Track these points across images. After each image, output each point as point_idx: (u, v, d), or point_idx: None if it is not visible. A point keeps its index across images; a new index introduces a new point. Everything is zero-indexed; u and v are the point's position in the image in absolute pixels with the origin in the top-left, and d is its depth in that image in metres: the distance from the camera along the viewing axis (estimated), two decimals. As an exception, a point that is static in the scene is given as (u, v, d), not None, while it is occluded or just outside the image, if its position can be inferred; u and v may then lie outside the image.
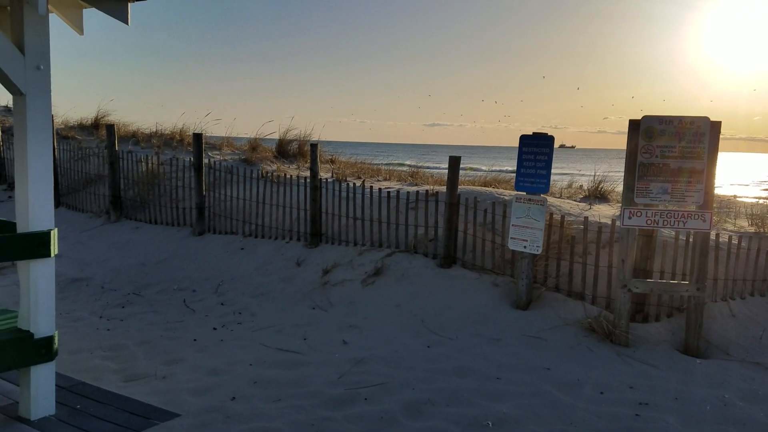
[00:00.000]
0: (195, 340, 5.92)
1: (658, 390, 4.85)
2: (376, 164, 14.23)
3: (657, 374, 5.18)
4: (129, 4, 3.73)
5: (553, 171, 6.48)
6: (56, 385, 3.95)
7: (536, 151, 6.44)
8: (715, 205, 6.77)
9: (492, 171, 12.06)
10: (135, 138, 13.36)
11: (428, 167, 13.59)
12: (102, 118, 14.70)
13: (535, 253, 6.35)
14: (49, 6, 3.62)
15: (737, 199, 11.86)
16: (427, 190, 8.00)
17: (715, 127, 5.66)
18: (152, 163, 10.55)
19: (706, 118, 5.65)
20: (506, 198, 7.74)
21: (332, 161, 12.40)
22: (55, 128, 11.87)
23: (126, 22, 3.74)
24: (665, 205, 5.79)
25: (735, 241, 6.66)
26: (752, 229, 7.66)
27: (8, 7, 3.71)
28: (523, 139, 6.53)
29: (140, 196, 10.42)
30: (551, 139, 6.43)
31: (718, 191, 11.50)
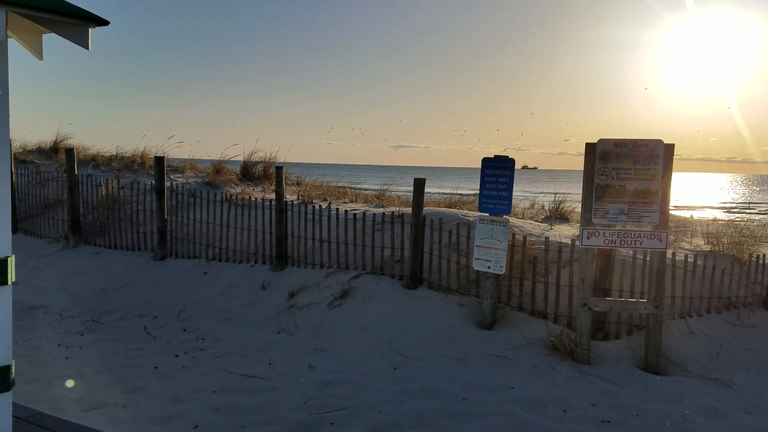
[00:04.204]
0: (156, 367, 5.80)
1: (620, 407, 4.93)
2: (342, 186, 14.25)
3: (618, 391, 5.27)
4: (89, 29, 3.70)
5: (515, 192, 6.62)
6: (13, 415, 3.83)
7: (498, 173, 6.57)
8: (671, 225, 6.96)
9: (455, 194, 12.17)
10: (95, 161, 13.14)
11: (394, 190, 13.66)
12: (61, 141, 14.43)
13: (499, 273, 6.43)
14: (8, 31, 3.57)
15: (693, 218, 12.21)
16: (393, 212, 8.05)
17: (669, 149, 5.85)
18: (112, 187, 10.39)
19: (660, 141, 5.85)
20: (470, 219, 7.84)
21: (298, 183, 12.39)
22: (12, 152, 11.59)
23: (86, 47, 3.70)
24: (623, 225, 5.94)
25: (691, 260, 6.86)
26: (708, 248, 7.89)
27: (-35, 32, 3.65)
28: (486, 161, 6.66)
29: (100, 221, 10.22)
30: (512, 161, 6.57)
31: (674, 212, 11.82)
